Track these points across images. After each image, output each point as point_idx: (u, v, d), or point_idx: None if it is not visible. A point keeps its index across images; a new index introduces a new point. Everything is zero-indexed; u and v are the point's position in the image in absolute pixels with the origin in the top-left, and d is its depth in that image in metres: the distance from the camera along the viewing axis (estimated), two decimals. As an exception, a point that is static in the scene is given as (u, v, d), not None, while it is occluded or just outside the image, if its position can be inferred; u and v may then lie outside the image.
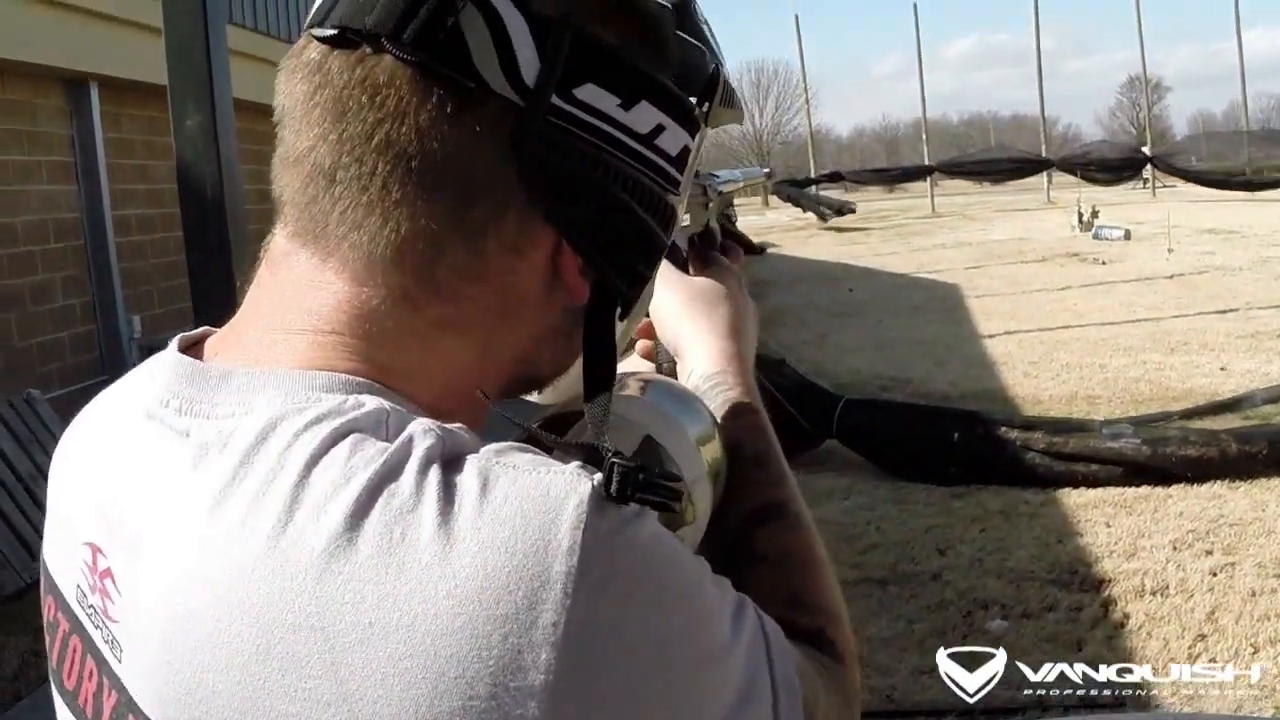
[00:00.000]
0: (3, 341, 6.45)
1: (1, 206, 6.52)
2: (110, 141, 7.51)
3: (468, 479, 0.42)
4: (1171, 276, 11.34)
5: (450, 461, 0.43)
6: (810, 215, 24.02)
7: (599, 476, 0.43)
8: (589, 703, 0.40)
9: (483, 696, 0.39)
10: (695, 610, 0.45)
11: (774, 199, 29.96)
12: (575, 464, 0.44)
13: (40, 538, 0.61)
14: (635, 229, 0.53)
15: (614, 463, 0.44)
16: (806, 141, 30.13)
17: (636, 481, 0.43)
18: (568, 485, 0.42)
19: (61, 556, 0.55)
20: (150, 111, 7.58)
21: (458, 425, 0.46)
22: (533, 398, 0.64)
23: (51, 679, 0.58)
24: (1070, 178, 23.68)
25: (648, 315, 0.79)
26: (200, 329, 0.57)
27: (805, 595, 0.61)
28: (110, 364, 7.19)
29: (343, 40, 0.48)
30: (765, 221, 27.65)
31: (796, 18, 29.32)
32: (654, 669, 0.42)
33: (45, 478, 0.62)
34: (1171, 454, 4.59)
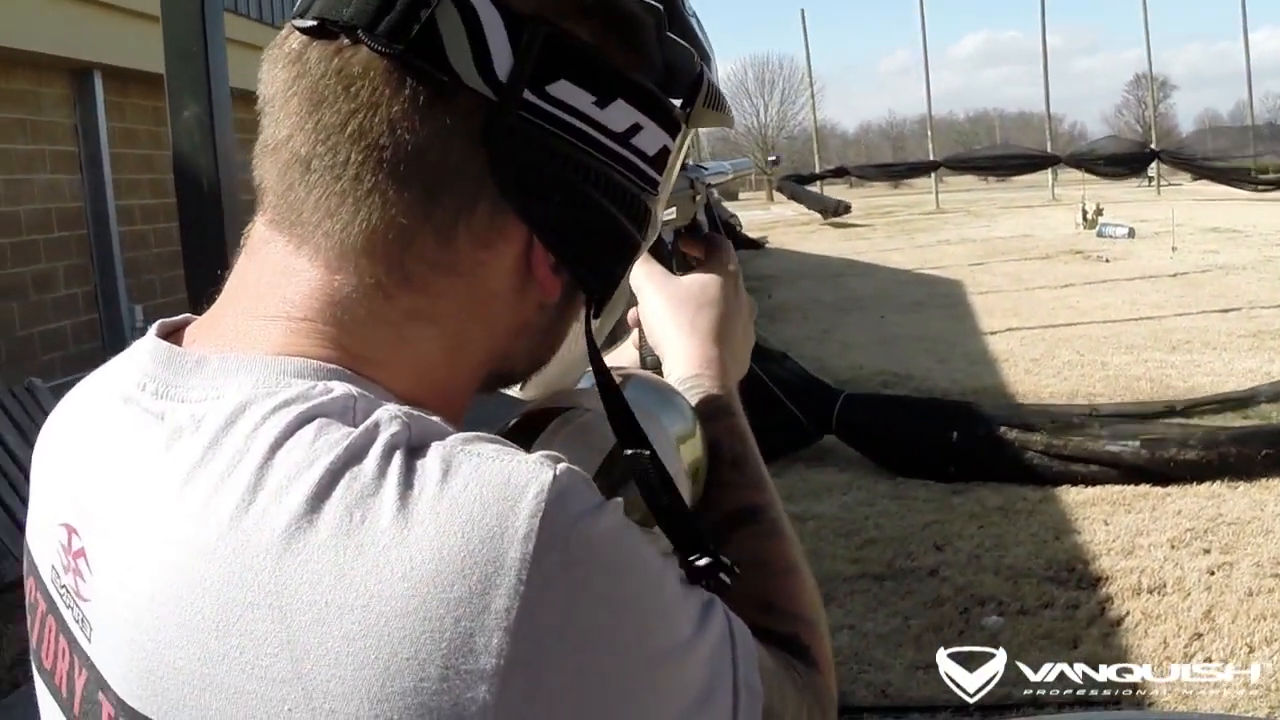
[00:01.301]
0: (5, 330, 6.48)
1: (5, 195, 6.55)
2: (114, 131, 7.53)
3: (430, 464, 0.43)
4: (1175, 275, 11.32)
5: (415, 447, 0.43)
6: (814, 211, 24.03)
7: (563, 466, 0.44)
8: (538, 688, 0.40)
9: (434, 678, 0.39)
10: (652, 607, 0.45)
11: (778, 194, 29.95)
12: (540, 454, 0.44)
13: None
14: (607, 227, 0.53)
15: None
16: (811, 136, 30.11)
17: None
18: (530, 474, 0.43)
19: (40, 538, 0.56)
20: (155, 101, 7.59)
21: (433, 414, 0.47)
22: (513, 392, 0.64)
23: (32, 659, 0.58)
24: (1075, 175, 23.61)
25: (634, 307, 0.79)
26: (181, 316, 0.58)
27: (779, 602, 0.61)
28: (112, 353, 7.07)
29: (322, 31, 0.49)
30: (770, 216, 27.62)
31: (803, 12, 29.39)
32: (604, 662, 0.42)
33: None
34: (1170, 458, 4.57)
